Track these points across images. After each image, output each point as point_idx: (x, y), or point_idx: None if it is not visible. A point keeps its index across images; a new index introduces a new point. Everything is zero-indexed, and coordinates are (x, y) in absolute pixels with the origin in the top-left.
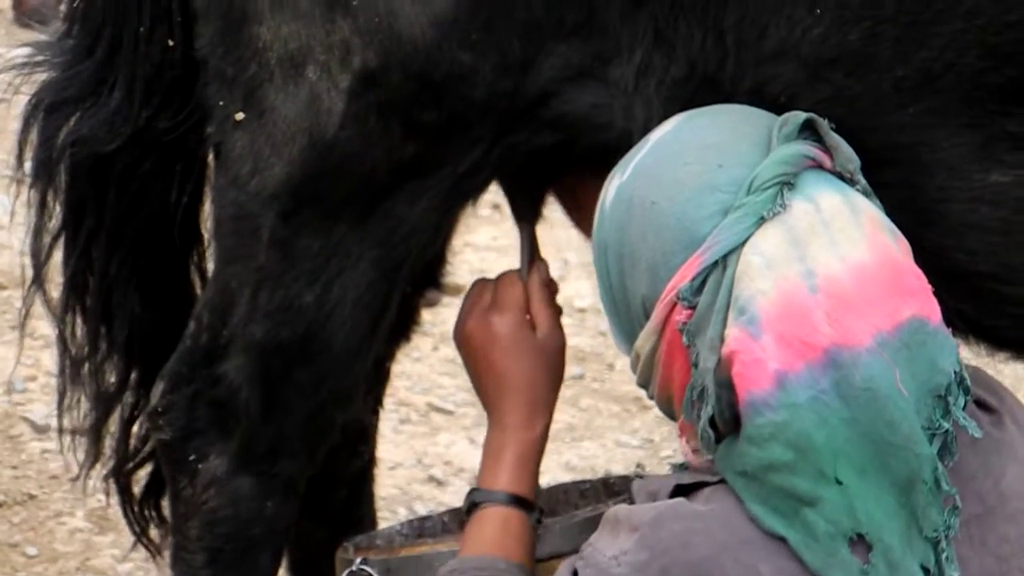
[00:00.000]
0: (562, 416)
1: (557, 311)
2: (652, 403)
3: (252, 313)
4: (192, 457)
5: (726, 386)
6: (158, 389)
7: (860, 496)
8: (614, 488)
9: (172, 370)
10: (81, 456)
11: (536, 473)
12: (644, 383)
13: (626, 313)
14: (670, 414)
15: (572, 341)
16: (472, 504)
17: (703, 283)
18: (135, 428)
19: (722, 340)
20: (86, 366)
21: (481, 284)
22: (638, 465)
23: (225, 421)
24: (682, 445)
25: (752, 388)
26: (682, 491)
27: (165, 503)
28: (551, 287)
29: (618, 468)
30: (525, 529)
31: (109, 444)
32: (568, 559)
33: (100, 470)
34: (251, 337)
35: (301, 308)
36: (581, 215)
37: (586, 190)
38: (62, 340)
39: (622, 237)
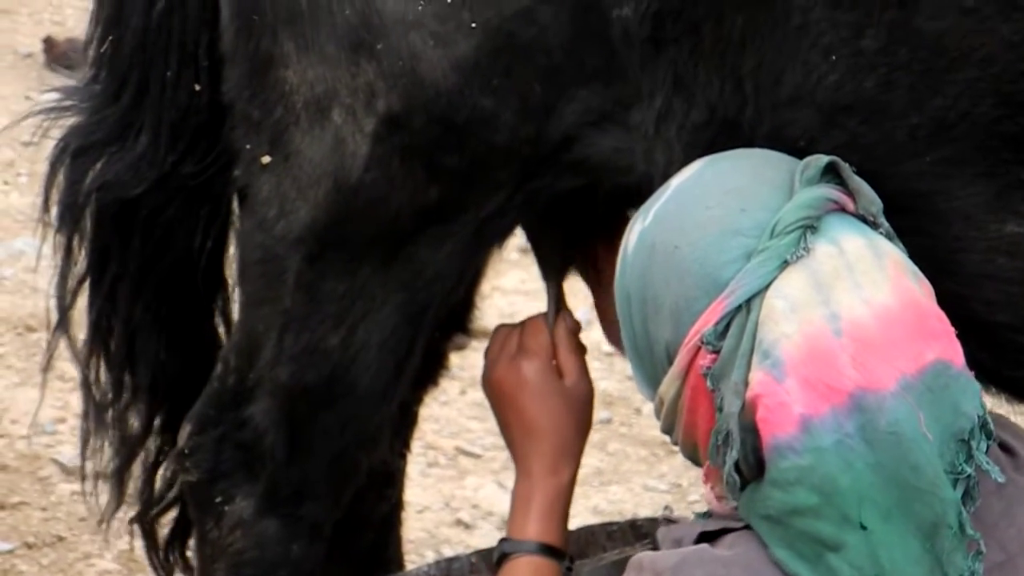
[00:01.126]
0: (590, 460)
1: (583, 358)
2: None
3: (278, 356)
4: (218, 499)
5: (751, 430)
6: (185, 431)
7: (884, 541)
8: (641, 530)
9: (199, 412)
10: (105, 500)
11: (565, 520)
12: (668, 429)
13: (649, 359)
14: (695, 460)
15: (600, 385)
16: (502, 554)
17: (727, 327)
18: (160, 472)
19: (746, 384)
20: (110, 411)
21: (507, 329)
22: (666, 507)
23: (251, 463)
24: (706, 491)
25: (777, 432)
26: (706, 538)
27: (190, 548)
28: (577, 334)
29: (646, 512)
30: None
31: (134, 488)
32: None
33: (125, 514)
34: (277, 380)
35: (326, 351)
36: (599, 278)
37: (607, 254)
38: (86, 385)
39: (645, 283)
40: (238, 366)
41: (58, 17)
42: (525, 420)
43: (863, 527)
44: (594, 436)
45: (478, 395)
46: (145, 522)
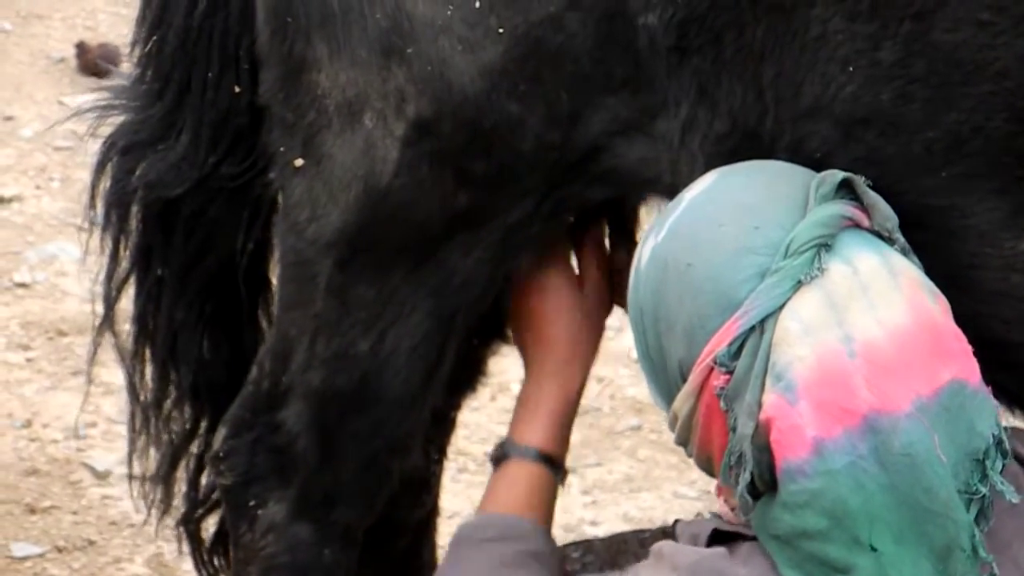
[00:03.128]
0: (620, 467)
1: (605, 270)
2: None
3: (310, 360)
4: (252, 503)
5: (766, 450)
6: (220, 434)
7: (895, 563)
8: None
9: (234, 415)
10: (148, 503)
11: (569, 430)
12: (683, 442)
13: (663, 374)
14: (710, 472)
15: (630, 392)
16: (502, 455)
17: (740, 348)
18: (204, 474)
19: (760, 406)
20: (155, 412)
21: None
22: (698, 515)
23: (284, 468)
24: (720, 504)
25: (788, 455)
26: (720, 536)
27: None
28: (603, 249)
29: (653, 527)
30: (551, 489)
31: (178, 491)
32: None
33: (165, 517)
34: (309, 384)
35: (356, 356)
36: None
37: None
38: (131, 385)
39: (658, 300)
40: (272, 370)
41: (91, 22)
42: (539, 325)
43: (873, 549)
44: (624, 443)
45: (508, 401)
46: (190, 525)
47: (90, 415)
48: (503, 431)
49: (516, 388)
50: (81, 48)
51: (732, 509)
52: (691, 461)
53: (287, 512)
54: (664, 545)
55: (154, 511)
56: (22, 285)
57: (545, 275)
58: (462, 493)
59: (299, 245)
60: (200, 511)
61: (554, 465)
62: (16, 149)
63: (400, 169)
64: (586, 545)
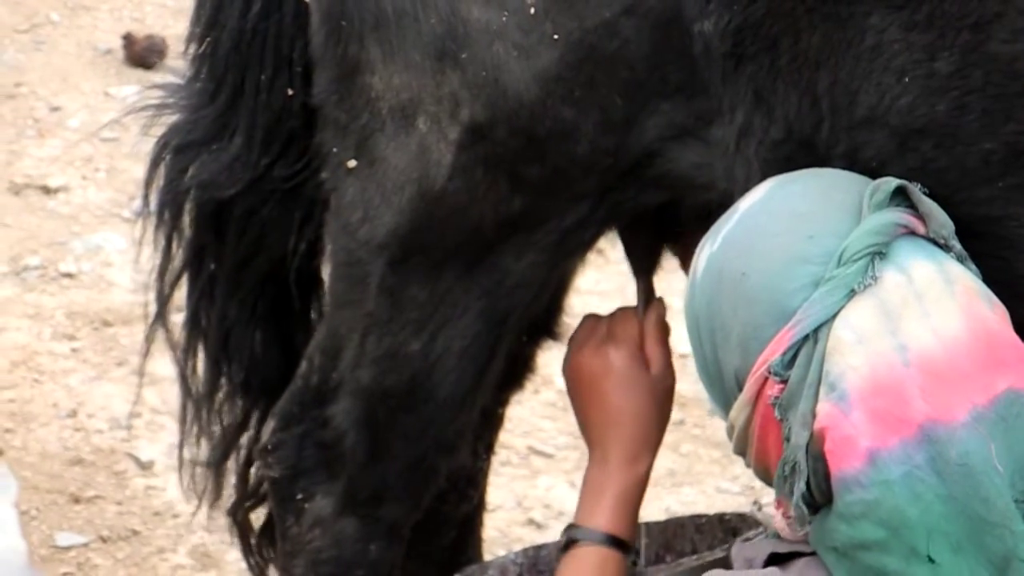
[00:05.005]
0: (662, 461)
1: (670, 350)
2: None
3: (360, 358)
4: (299, 496)
5: (821, 459)
6: (269, 427)
7: (953, 574)
8: (729, 524)
9: (283, 409)
10: (197, 493)
11: (636, 514)
12: (741, 452)
13: (720, 384)
14: (768, 482)
15: None
16: (570, 540)
17: (794, 357)
18: (254, 467)
19: (814, 416)
20: (206, 404)
21: (594, 318)
22: (755, 503)
23: (331, 463)
24: (777, 517)
25: (843, 466)
26: (776, 559)
27: None
28: (666, 327)
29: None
30: (621, 572)
31: (227, 482)
32: None
33: (214, 507)
34: (358, 382)
35: (407, 356)
36: None
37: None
38: (183, 379)
39: (713, 309)
40: (321, 365)
41: (138, 14)
42: (607, 407)
43: (931, 560)
44: (667, 437)
45: (551, 395)
46: (238, 515)
47: (135, 406)
48: (546, 424)
49: (559, 381)
50: (128, 40)
51: (789, 524)
52: (734, 456)
53: (334, 507)
54: (715, 574)
55: (203, 501)
56: (68, 275)
57: (611, 355)
58: (504, 486)
59: (351, 245)
60: (249, 503)
61: (623, 547)
62: (63, 140)
63: (454, 172)
64: (643, 528)
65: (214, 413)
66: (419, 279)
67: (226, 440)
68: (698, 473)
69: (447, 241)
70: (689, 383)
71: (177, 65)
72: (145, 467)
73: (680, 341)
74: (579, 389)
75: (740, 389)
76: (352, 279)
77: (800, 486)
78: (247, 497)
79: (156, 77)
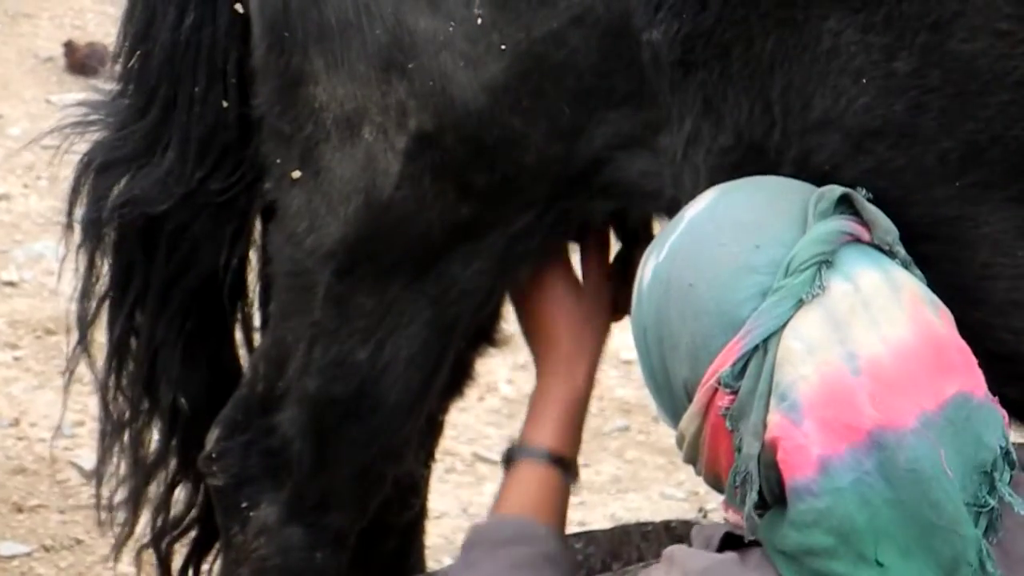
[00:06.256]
0: (607, 468)
1: (606, 272)
2: None
3: (307, 367)
4: (244, 504)
5: (773, 469)
6: (213, 435)
7: None
8: (675, 531)
9: (227, 417)
10: (113, 526)
11: (578, 427)
12: (691, 461)
13: (668, 393)
14: (720, 490)
15: (617, 393)
16: (510, 458)
17: (744, 368)
18: (175, 496)
19: (765, 426)
20: (127, 431)
21: None
22: (700, 509)
23: (277, 471)
24: (729, 515)
25: (796, 475)
26: (732, 539)
27: (204, 571)
28: (604, 252)
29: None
30: (563, 490)
31: (148, 512)
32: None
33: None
34: (305, 390)
35: (354, 364)
36: None
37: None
38: (104, 403)
39: (661, 320)
40: (267, 373)
41: (79, 22)
42: (542, 326)
43: (879, 564)
44: (612, 444)
45: (495, 401)
46: (159, 547)
47: (78, 414)
48: (490, 431)
49: (504, 388)
50: (69, 47)
51: (742, 527)
52: (679, 462)
53: (280, 515)
54: (676, 549)
55: (121, 533)
56: (10, 284)
57: (545, 278)
58: (450, 493)
59: (297, 255)
60: (174, 532)
61: (565, 465)
62: (4, 148)
63: (402, 181)
64: (588, 537)
65: (133, 439)
66: (366, 288)
67: (147, 467)
68: (643, 479)
69: (394, 250)
70: (633, 389)
71: (113, 75)
72: (88, 476)
73: (624, 347)
74: (519, 310)
75: (689, 399)
76: (298, 289)
77: (752, 496)
78: (168, 528)
79: (98, 85)
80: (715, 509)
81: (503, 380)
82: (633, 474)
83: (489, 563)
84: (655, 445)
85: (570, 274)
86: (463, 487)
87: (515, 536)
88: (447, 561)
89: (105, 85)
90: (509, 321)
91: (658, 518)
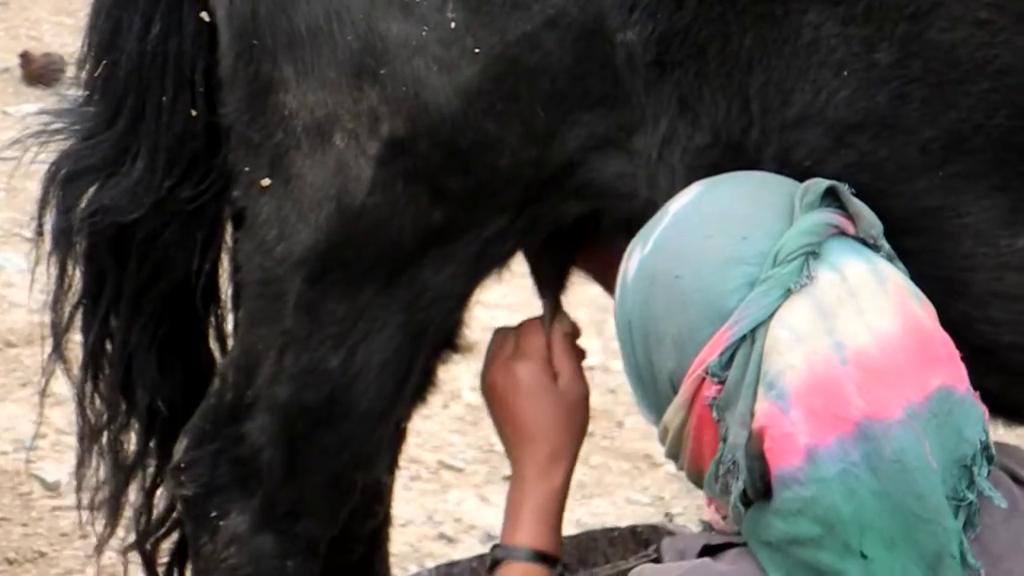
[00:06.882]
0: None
1: (579, 361)
2: (663, 460)
3: (277, 375)
4: (214, 514)
5: (759, 458)
6: (181, 445)
7: (885, 570)
8: (642, 537)
9: (196, 427)
10: (94, 526)
11: (558, 525)
12: (674, 455)
13: (653, 387)
14: (700, 484)
15: None
16: (494, 560)
17: (731, 358)
18: (156, 497)
19: (752, 415)
20: (105, 435)
21: (503, 333)
22: (666, 514)
23: (247, 479)
24: (710, 512)
25: (782, 463)
26: (710, 551)
27: (189, 572)
28: (574, 336)
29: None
30: None
31: (129, 514)
32: None
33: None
34: (275, 398)
35: (326, 371)
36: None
37: (616, 253)
38: (81, 408)
39: (646, 312)
40: (236, 382)
41: (35, 32)
42: (518, 423)
43: (864, 556)
44: None
45: (460, 409)
46: (144, 549)
47: (39, 427)
48: (455, 439)
49: (467, 395)
50: (25, 58)
51: (724, 518)
52: (643, 468)
53: (250, 523)
54: (644, 569)
55: (104, 535)
56: None
57: (520, 374)
58: (414, 501)
59: (267, 263)
60: (154, 535)
61: (548, 561)
62: None
63: (374, 188)
64: None
65: (112, 444)
66: (338, 294)
67: (126, 470)
68: (608, 485)
69: (366, 256)
70: (597, 395)
71: (75, 84)
72: (51, 488)
73: (587, 353)
74: (492, 407)
75: (675, 391)
76: (268, 297)
77: (739, 485)
78: (151, 530)
79: (55, 95)
80: (681, 514)
81: (467, 387)
82: (598, 480)
83: None
84: (619, 450)
85: (546, 369)
86: (428, 495)
87: None
88: (412, 569)
89: (67, 94)
90: (472, 328)
91: (624, 523)
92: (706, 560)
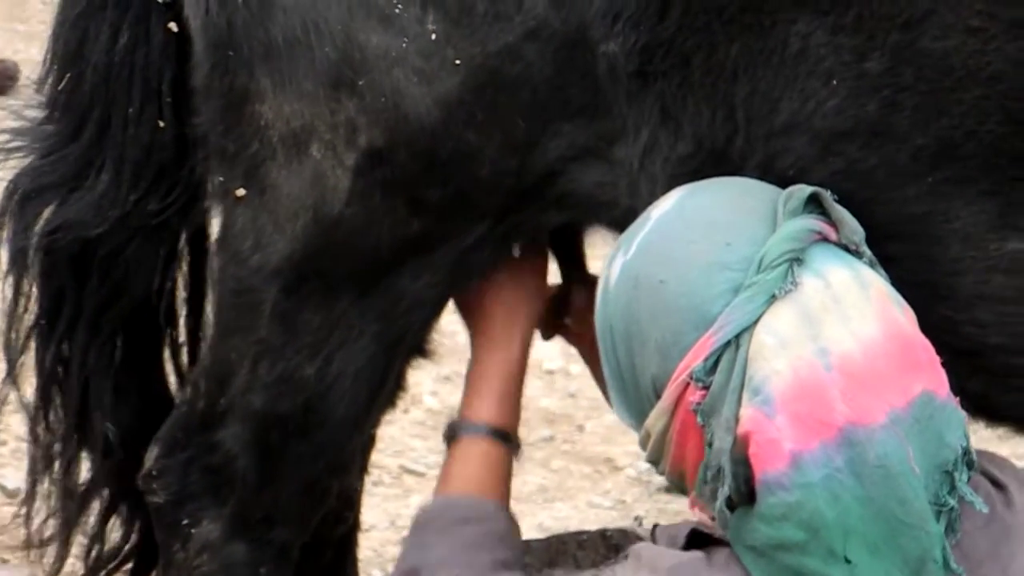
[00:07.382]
0: (533, 478)
1: (544, 264)
2: (624, 464)
3: (251, 383)
4: (185, 522)
5: (743, 464)
6: (152, 453)
7: (869, 574)
8: (611, 540)
9: (167, 435)
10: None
11: (516, 403)
12: (654, 460)
13: (635, 392)
14: (682, 489)
15: (542, 403)
16: (451, 435)
17: (716, 363)
18: (109, 526)
19: (737, 420)
20: (56, 463)
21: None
22: (636, 518)
23: (219, 487)
24: (696, 515)
25: (767, 468)
26: (698, 537)
27: None
28: (544, 249)
29: (592, 529)
30: (506, 463)
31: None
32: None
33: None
34: (249, 407)
35: (301, 380)
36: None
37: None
38: (34, 437)
39: (629, 316)
40: (208, 390)
41: None
42: (477, 298)
43: (848, 561)
44: (537, 454)
45: (420, 414)
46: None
47: (0, 434)
48: (417, 444)
49: (428, 400)
50: None
51: (712, 519)
52: (605, 472)
53: (222, 531)
54: (643, 547)
55: (52, 569)
56: None
57: (501, 279)
58: (378, 506)
59: (241, 273)
60: (108, 566)
61: (506, 438)
62: None
63: (352, 198)
64: (524, 546)
65: (63, 472)
66: (314, 304)
67: (78, 500)
68: (569, 488)
69: (343, 265)
70: (557, 399)
71: (28, 91)
72: (11, 495)
73: (547, 358)
74: (460, 301)
75: (657, 396)
76: (242, 306)
77: (724, 490)
78: (106, 560)
79: (9, 102)
80: (645, 516)
81: (427, 392)
82: (559, 484)
83: (441, 545)
84: (580, 454)
85: (509, 260)
86: (391, 499)
87: (465, 516)
88: (376, 574)
89: (27, 111)
90: (439, 333)
91: (586, 527)
92: (702, 556)
